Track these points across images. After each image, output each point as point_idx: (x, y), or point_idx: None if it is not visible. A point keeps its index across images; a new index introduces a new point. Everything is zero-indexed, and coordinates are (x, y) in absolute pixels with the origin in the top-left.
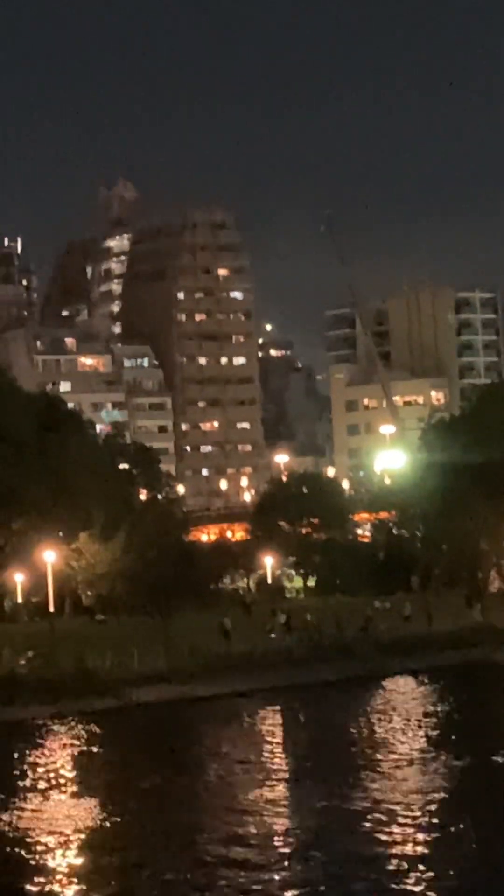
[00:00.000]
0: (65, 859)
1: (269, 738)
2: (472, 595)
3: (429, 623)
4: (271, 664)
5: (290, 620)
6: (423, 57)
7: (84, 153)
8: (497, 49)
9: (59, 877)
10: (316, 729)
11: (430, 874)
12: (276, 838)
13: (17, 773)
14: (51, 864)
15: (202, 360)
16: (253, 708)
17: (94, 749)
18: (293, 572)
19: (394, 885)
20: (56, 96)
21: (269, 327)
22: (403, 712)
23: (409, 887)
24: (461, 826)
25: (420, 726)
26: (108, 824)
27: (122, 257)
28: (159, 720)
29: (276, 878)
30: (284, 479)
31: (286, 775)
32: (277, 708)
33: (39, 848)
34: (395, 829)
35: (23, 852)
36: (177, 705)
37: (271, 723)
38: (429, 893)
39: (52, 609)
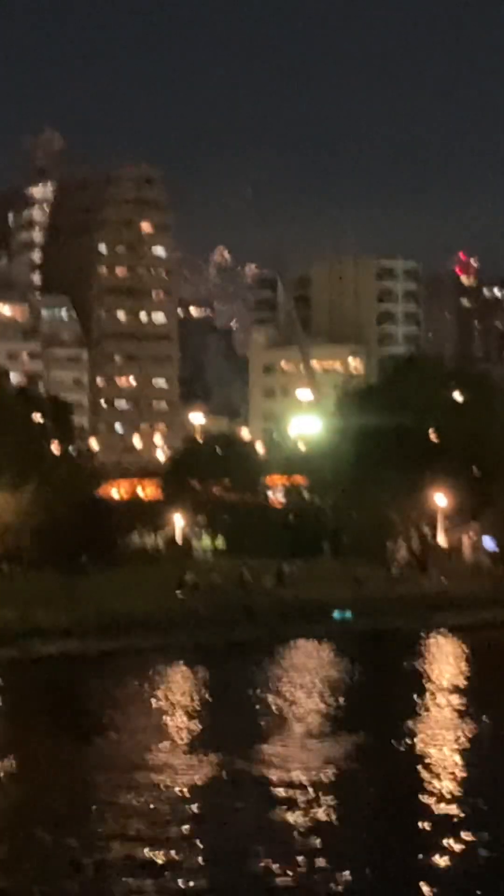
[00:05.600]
0: None
1: (167, 697)
2: (423, 560)
3: (357, 586)
4: (176, 623)
5: (197, 580)
6: (370, 21)
7: (11, 100)
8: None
9: None
10: (217, 689)
11: (331, 842)
12: (170, 805)
13: None
14: None
15: (121, 315)
16: (154, 665)
17: None
18: (203, 532)
19: (297, 860)
20: None
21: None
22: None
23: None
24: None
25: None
26: None
27: (45, 206)
28: (59, 673)
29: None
30: (199, 438)
31: (182, 736)
32: (180, 666)
33: None
34: (299, 797)
35: None
36: (79, 659)
37: (172, 680)
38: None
39: None
